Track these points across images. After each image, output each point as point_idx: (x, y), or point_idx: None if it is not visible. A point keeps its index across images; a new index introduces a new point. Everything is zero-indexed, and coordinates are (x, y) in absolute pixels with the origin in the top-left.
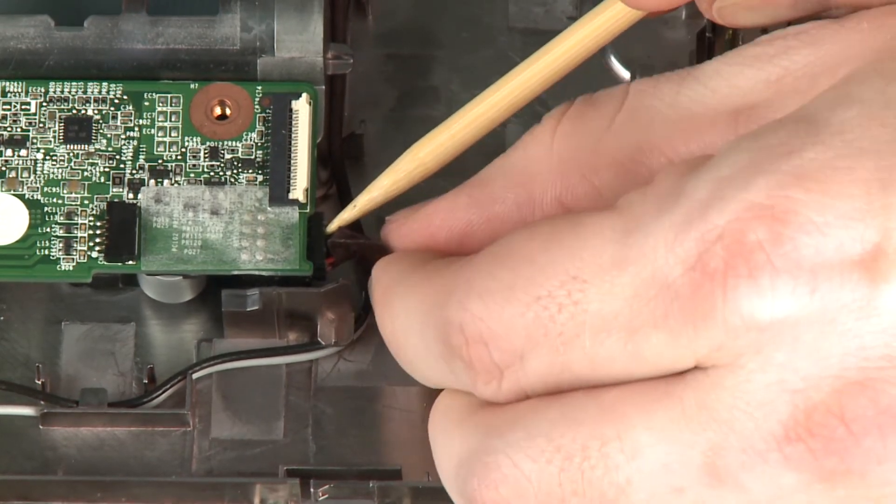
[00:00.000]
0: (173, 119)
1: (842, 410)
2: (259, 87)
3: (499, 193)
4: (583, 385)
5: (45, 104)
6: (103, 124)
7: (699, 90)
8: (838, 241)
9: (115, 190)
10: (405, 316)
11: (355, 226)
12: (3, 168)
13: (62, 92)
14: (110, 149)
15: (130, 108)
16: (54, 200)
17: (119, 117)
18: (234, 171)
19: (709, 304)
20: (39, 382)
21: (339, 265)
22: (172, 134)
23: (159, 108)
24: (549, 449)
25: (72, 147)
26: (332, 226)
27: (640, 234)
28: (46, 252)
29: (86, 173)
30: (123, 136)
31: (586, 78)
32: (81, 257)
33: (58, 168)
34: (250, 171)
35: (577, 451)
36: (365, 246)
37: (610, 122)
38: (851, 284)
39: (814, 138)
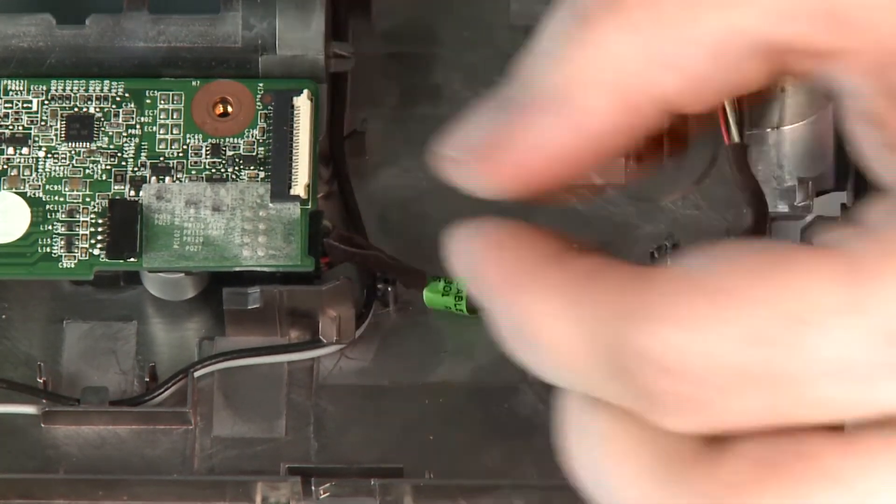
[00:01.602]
0: (175, 116)
1: None
2: (260, 85)
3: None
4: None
5: (46, 102)
6: (105, 122)
7: None
8: None
9: (116, 187)
10: (552, 320)
11: (357, 226)
12: (5, 166)
13: (64, 90)
14: (112, 146)
15: (132, 105)
16: (56, 198)
17: (121, 115)
18: (236, 168)
19: None
20: (41, 381)
21: (335, 266)
22: (174, 131)
23: (161, 106)
24: None
25: (73, 145)
26: None
27: (868, 281)
28: (48, 250)
29: (87, 171)
30: (125, 134)
31: None
32: (83, 255)
33: (59, 166)
34: (252, 167)
35: None
36: (363, 256)
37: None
38: None
39: None
